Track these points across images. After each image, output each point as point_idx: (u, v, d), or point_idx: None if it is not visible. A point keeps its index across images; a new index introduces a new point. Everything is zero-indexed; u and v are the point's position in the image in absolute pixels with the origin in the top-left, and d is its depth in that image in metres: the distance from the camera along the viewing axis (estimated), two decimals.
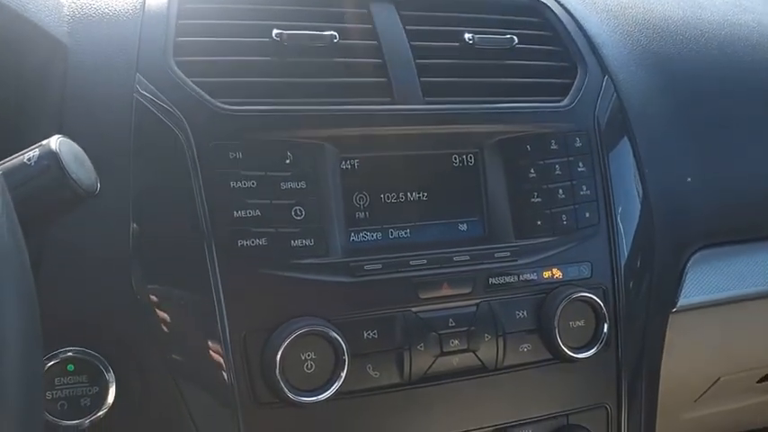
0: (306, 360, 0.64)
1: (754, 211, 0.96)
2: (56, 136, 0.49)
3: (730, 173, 0.96)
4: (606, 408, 0.78)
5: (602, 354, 0.77)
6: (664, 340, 0.87)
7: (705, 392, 1.00)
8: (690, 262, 0.92)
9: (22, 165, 0.47)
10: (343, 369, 0.64)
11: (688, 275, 0.91)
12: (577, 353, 0.74)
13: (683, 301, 0.90)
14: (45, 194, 0.47)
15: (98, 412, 0.62)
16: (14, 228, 0.39)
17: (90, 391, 0.62)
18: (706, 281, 0.93)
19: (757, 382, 1.04)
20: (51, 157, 0.47)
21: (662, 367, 0.88)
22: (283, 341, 0.63)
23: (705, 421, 1.10)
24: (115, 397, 0.62)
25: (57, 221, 0.54)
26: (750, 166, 0.97)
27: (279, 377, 0.63)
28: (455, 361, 0.71)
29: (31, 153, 0.47)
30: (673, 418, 1.03)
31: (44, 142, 0.48)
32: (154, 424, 0.64)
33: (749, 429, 1.30)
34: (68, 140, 0.49)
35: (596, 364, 0.77)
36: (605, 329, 0.75)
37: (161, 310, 0.64)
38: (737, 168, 0.96)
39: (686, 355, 0.94)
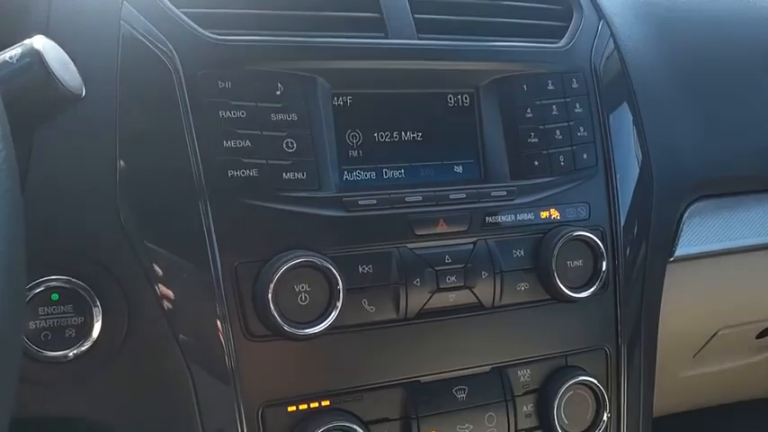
0: (300, 292, 0.63)
1: (751, 163, 0.96)
2: (39, 36, 0.47)
3: (727, 123, 0.95)
4: (605, 350, 0.77)
5: (600, 295, 0.76)
6: (662, 289, 0.86)
7: (703, 347, 0.99)
8: (687, 212, 0.91)
9: (4, 63, 0.45)
10: (339, 299, 0.63)
11: (685, 226, 0.91)
12: (576, 292, 0.73)
13: (680, 250, 0.90)
14: (29, 93, 0.45)
15: (83, 344, 0.60)
16: (1, 116, 0.37)
17: (75, 321, 0.59)
18: (703, 232, 0.93)
19: (756, 337, 1.03)
20: (34, 54, 0.45)
21: (660, 320, 0.87)
22: (276, 272, 0.61)
23: (703, 381, 1.09)
24: (101, 329, 0.60)
25: (42, 124, 0.51)
26: (746, 118, 0.97)
27: (272, 308, 0.61)
28: (451, 297, 0.69)
29: (14, 51, 0.45)
30: (671, 375, 1.02)
31: (26, 41, 0.46)
32: (142, 359, 0.62)
33: (745, 399, 1.30)
34: (52, 42, 0.47)
35: (595, 306, 0.76)
36: (604, 267, 0.74)
37: (149, 240, 0.62)
38: (734, 119, 0.96)
39: (684, 308, 0.93)
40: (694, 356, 1.01)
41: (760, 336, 1.03)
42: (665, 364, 0.91)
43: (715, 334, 0.97)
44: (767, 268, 0.97)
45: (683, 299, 0.92)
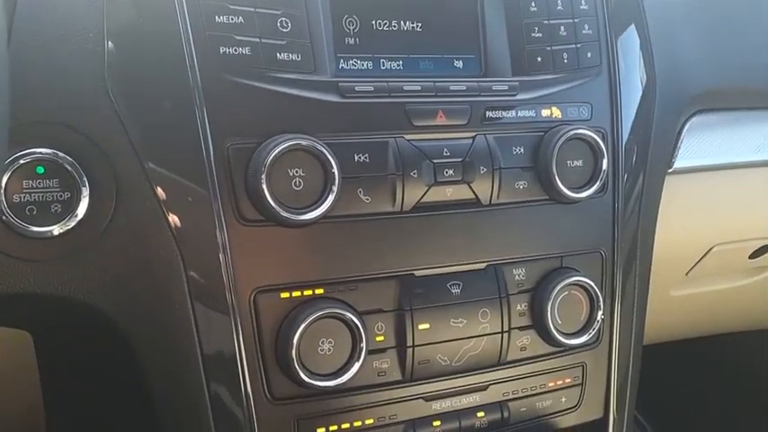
0: (294, 177, 0.61)
1: (752, 77, 0.94)
2: None
3: (730, 38, 0.94)
4: (601, 254, 0.76)
5: (599, 197, 0.75)
6: (659, 199, 0.85)
7: (697, 264, 0.98)
8: (687, 125, 0.90)
9: None
10: (334, 184, 0.61)
11: (684, 138, 0.89)
12: (575, 193, 0.72)
13: (678, 163, 0.89)
14: None
15: (69, 221, 0.58)
16: None
17: (61, 197, 0.57)
18: (702, 146, 0.92)
19: (750, 257, 1.03)
20: None
21: (656, 234, 0.86)
22: (269, 154, 0.59)
23: (694, 304, 1.09)
24: (88, 207, 0.58)
25: None
26: (749, 34, 0.95)
27: (266, 192, 0.59)
28: (449, 192, 0.67)
29: None
30: (663, 293, 1.02)
31: None
32: (130, 239, 0.60)
33: (734, 330, 1.31)
34: None
35: (593, 209, 0.75)
36: (604, 167, 0.73)
37: (138, 117, 0.60)
38: (737, 34, 0.95)
39: (680, 222, 0.92)
40: (687, 274, 1.01)
41: (753, 255, 1.03)
42: (658, 281, 0.90)
43: (709, 251, 0.97)
44: (763, 185, 0.96)
45: (680, 213, 0.91)
